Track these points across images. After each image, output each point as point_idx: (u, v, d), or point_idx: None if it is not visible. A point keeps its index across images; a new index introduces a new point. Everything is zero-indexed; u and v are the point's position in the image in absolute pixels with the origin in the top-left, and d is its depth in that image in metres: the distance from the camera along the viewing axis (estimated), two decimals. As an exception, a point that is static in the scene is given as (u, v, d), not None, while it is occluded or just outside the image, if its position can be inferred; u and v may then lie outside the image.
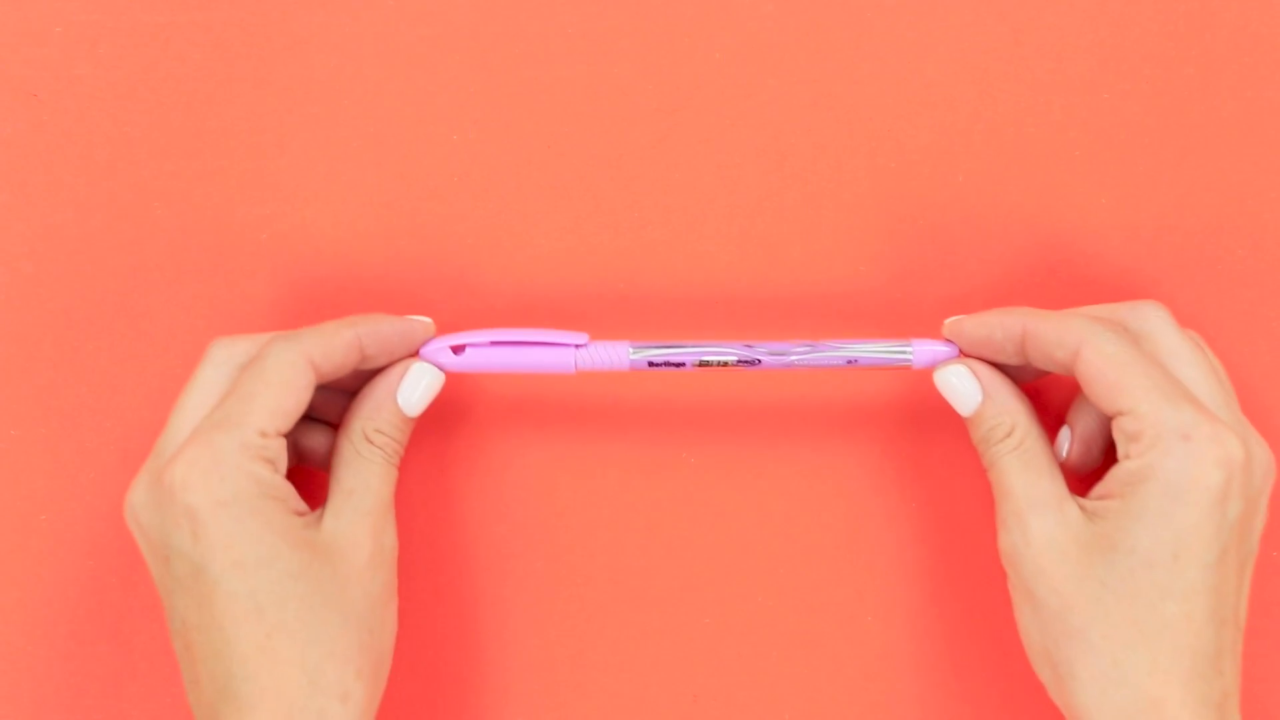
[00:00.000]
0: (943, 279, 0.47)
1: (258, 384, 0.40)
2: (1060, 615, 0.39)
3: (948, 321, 0.44)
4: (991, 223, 0.47)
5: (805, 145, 0.47)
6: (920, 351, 0.43)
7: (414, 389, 0.43)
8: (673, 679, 0.46)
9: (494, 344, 0.44)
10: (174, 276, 0.47)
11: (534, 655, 0.46)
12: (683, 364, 0.43)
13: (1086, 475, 0.43)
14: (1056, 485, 0.41)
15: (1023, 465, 0.41)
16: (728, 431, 0.47)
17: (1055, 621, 0.39)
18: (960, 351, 0.43)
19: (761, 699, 0.46)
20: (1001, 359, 0.43)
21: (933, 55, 0.47)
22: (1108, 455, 0.42)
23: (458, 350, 0.44)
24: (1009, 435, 0.42)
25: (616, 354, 0.43)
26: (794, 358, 0.43)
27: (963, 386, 0.43)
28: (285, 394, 0.40)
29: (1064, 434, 0.44)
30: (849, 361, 0.43)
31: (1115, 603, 0.38)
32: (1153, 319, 0.42)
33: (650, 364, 0.43)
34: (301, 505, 0.41)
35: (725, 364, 0.43)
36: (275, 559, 0.39)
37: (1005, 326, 0.42)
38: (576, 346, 0.43)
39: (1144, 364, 0.40)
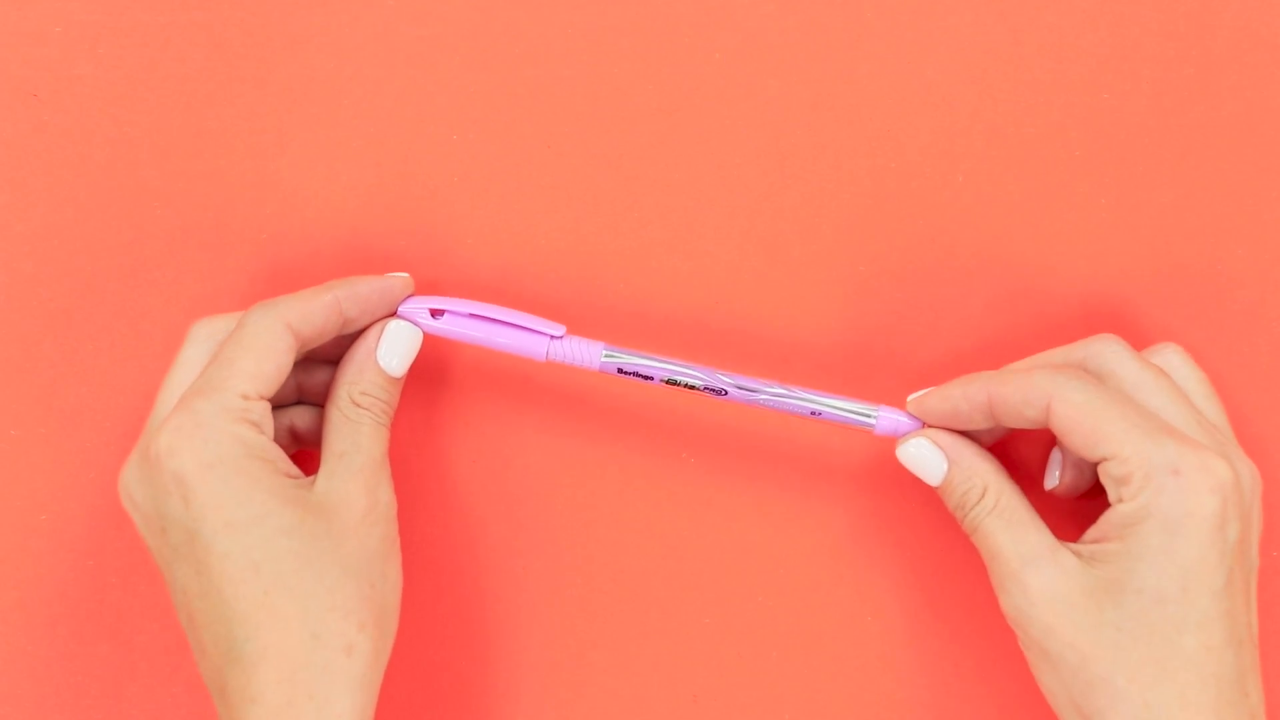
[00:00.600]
0: (942, 279, 0.47)
1: (237, 349, 0.41)
2: (1081, 668, 0.39)
3: (910, 399, 0.43)
4: (991, 223, 0.47)
5: (805, 145, 0.47)
6: (884, 420, 0.43)
7: (394, 348, 0.43)
8: (673, 679, 0.46)
9: (472, 315, 0.44)
10: (174, 276, 0.47)
11: (533, 655, 0.46)
12: (651, 378, 0.43)
13: (1074, 518, 0.43)
14: (1044, 537, 0.40)
15: (1005, 524, 0.41)
16: (727, 431, 0.47)
17: (1077, 675, 0.39)
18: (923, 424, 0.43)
19: (761, 699, 0.46)
20: (972, 428, 0.43)
21: (933, 55, 0.47)
22: (1098, 481, 0.42)
23: (436, 314, 0.44)
24: (982, 498, 0.42)
25: (590, 353, 0.44)
26: (762, 397, 0.43)
27: (926, 458, 0.43)
28: (265, 357, 0.41)
29: (1054, 460, 0.44)
30: (813, 413, 0.43)
31: (1133, 645, 0.38)
32: (1109, 356, 0.42)
33: (620, 370, 0.44)
34: (293, 469, 0.41)
35: (692, 388, 0.43)
36: (266, 516, 0.39)
37: (969, 397, 0.42)
38: (552, 337, 0.44)
39: (1117, 406, 0.40)
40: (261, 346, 0.41)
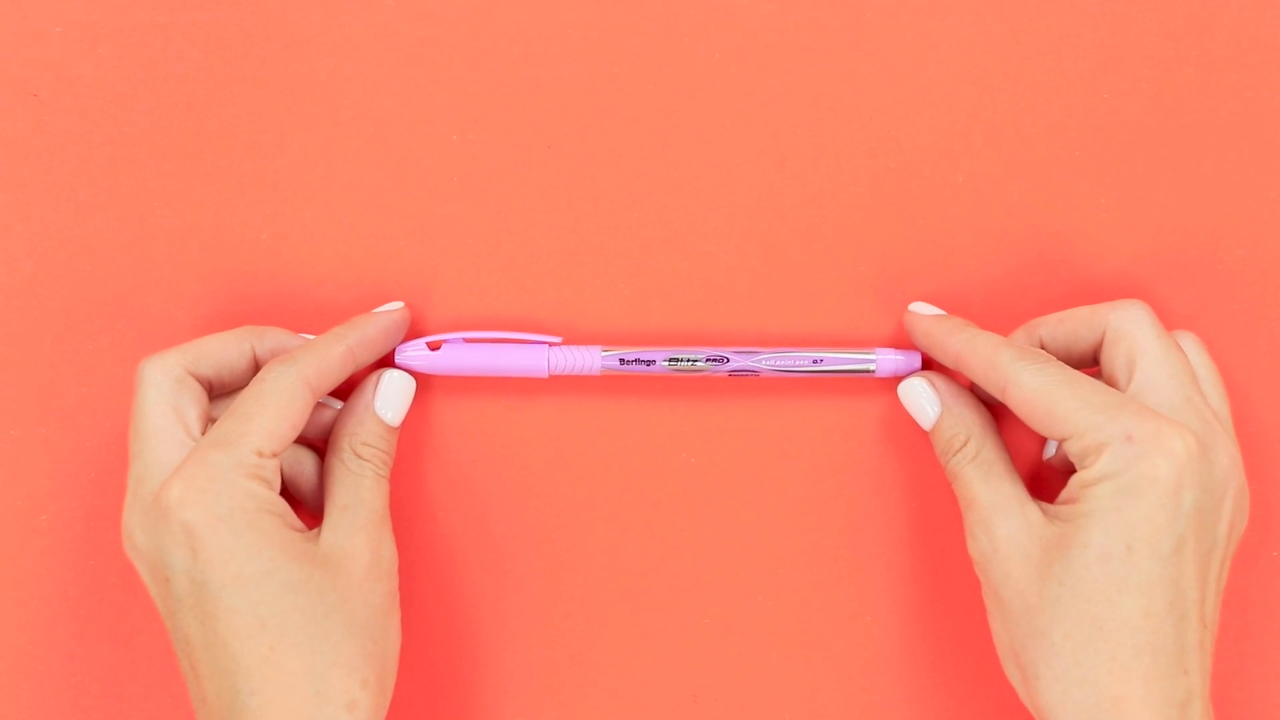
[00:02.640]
0: (943, 279, 0.47)
1: (255, 405, 0.41)
2: (1024, 616, 0.39)
3: (913, 306, 0.45)
4: (991, 223, 0.47)
5: (805, 145, 0.47)
6: (884, 361, 0.45)
7: (390, 397, 0.44)
8: (673, 679, 0.46)
9: (468, 340, 0.45)
10: (174, 276, 0.47)
11: (533, 655, 0.46)
12: (653, 362, 0.45)
13: (1055, 486, 0.43)
14: (1016, 489, 0.42)
15: (982, 474, 0.42)
16: (727, 431, 0.47)
17: (1020, 623, 0.40)
18: (923, 359, 0.45)
19: (761, 699, 0.46)
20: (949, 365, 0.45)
21: (933, 55, 0.47)
22: None
23: (434, 347, 0.45)
24: (964, 446, 0.43)
25: (588, 355, 0.45)
26: (762, 359, 0.45)
27: (921, 400, 0.44)
28: (282, 416, 0.41)
29: None
30: (815, 362, 0.45)
31: (1074, 600, 0.38)
32: (1131, 319, 0.42)
33: (621, 361, 0.45)
34: (299, 523, 0.42)
35: (694, 362, 0.45)
36: (275, 571, 0.39)
37: (944, 349, 0.44)
38: (551, 344, 0.45)
39: (1070, 385, 0.40)
40: (280, 404, 0.41)
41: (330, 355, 0.43)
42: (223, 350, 0.43)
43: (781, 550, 0.46)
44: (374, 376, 0.45)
